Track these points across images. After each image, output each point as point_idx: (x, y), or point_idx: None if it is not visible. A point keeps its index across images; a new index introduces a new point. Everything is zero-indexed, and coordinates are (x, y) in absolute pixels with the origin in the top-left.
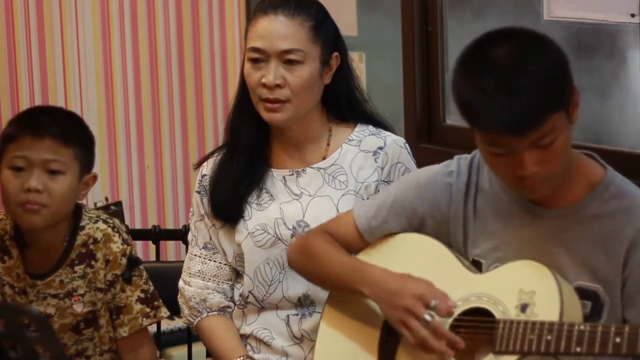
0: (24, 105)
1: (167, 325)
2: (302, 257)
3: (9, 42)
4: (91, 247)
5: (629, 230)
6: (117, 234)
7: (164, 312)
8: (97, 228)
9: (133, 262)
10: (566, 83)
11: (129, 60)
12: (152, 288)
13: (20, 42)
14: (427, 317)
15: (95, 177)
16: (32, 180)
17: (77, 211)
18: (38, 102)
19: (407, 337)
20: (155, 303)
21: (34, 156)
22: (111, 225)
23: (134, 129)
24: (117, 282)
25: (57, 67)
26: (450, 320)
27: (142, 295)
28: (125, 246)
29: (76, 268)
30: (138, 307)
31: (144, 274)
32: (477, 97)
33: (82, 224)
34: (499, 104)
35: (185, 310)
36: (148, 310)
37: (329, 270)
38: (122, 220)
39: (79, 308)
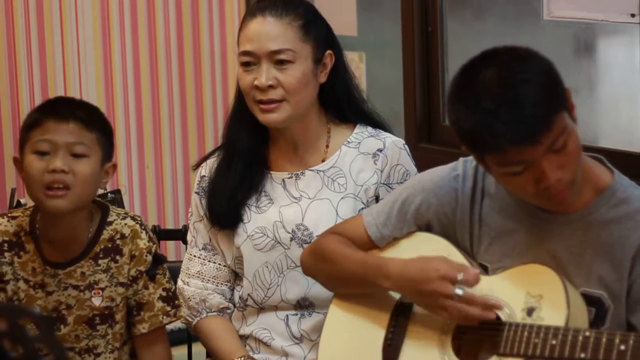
0: (24, 105)
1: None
2: (316, 260)
3: (9, 42)
4: (118, 242)
5: (636, 236)
6: (144, 231)
7: (184, 311)
8: (125, 224)
9: (158, 259)
10: (560, 84)
11: (129, 60)
12: (173, 287)
13: (20, 42)
14: (459, 292)
15: (115, 166)
16: (57, 161)
17: (105, 207)
18: (38, 102)
19: (446, 317)
20: (176, 302)
21: (59, 139)
22: (139, 222)
23: (134, 129)
24: (140, 279)
25: (57, 67)
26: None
27: (164, 294)
28: (151, 243)
29: (100, 261)
30: (159, 305)
31: (167, 272)
32: (481, 120)
33: (109, 219)
34: (505, 119)
35: (184, 310)
36: (169, 308)
37: (346, 270)
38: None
39: (97, 302)
